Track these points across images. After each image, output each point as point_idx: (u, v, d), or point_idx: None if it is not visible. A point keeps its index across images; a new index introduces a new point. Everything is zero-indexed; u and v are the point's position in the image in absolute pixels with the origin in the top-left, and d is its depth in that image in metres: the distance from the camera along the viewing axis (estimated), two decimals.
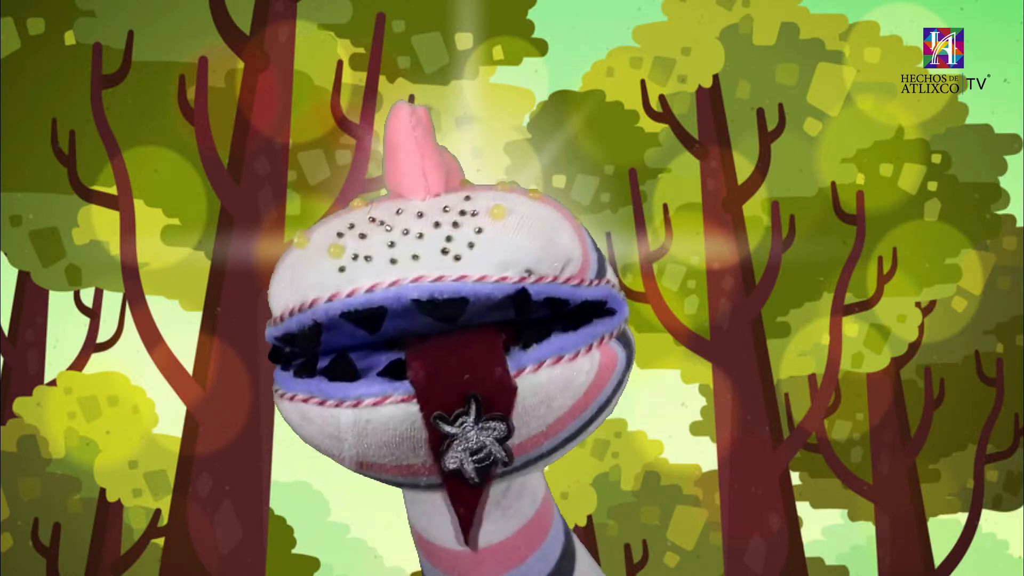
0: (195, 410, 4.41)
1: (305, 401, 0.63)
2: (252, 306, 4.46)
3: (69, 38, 4.51)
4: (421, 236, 0.60)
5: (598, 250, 0.67)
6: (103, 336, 4.73)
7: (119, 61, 4.46)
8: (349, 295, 0.60)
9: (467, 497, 0.61)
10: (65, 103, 4.47)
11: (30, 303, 4.76)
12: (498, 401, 0.59)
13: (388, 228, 0.61)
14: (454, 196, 0.62)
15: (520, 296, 0.60)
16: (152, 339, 4.39)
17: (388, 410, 0.60)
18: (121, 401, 4.48)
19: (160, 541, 4.47)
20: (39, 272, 4.54)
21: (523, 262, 0.60)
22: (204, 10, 4.46)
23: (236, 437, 4.40)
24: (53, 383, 4.53)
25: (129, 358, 4.57)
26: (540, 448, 0.63)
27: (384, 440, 0.61)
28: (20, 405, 4.48)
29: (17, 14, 4.51)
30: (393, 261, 0.60)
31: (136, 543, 4.52)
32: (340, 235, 0.61)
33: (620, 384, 0.66)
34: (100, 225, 4.49)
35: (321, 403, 0.62)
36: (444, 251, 0.59)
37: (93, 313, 4.74)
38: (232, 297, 4.45)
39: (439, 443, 0.60)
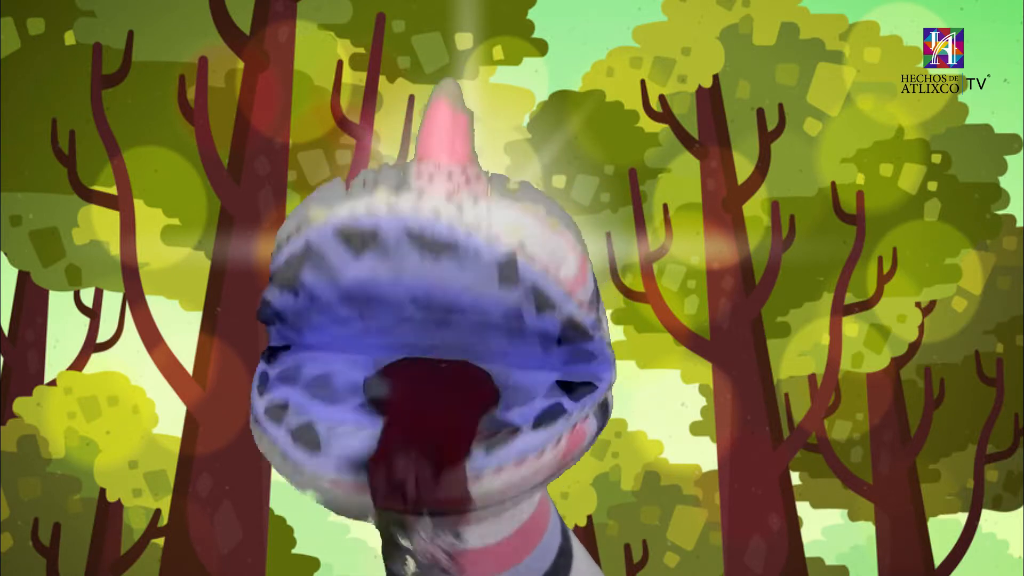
0: (195, 410, 4.41)
1: (271, 445, 0.64)
2: (252, 306, 4.45)
3: (69, 38, 4.51)
4: (431, 179, 0.61)
5: (597, 288, 0.68)
6: (103, 336, 4.73)
7: (119, 61, 4.46)
8: (347, 214, 0.60)
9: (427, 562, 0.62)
10: (65, 103, 4.47)
11: (30, 303, 4.76)
12: (454, 510, 0.60)
13: (403, 171, 0.61)
14: (473, 193, 0.62)
15: (508, 264, 0.60)
16: (152, 339, 4.39)
17: (341, 494, 0.62)
18: (121, 401, 4.48)
19: (160, 541, 4.47)
20: (39, 272, 4.54)
21: (521, 235, 0.60)
22: (204, 10, 4.46)
23: (236, 437, 4.40)
24: (53, 383, 4.53)
25: (129, 358, 4.57)
26: (496, 511, 0.65)
27: (341, 510, 0.63)
28: (20, 405, 4.48)
29: (17, 14, 4.52)
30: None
31: (136, 543, 4.52)
32: (354, 208, 0.62)
33: (587, 448, 0.67)
34: (100, 225, 4.49)
35: (283, 457, 0.64)
36: (449, 196, 0.60)
37: (93, 313, 4.74)
38: (232, 297, 4.45)
39: (390, 546, 0.61)
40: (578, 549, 0.76)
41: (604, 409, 0.68)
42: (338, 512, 0.66)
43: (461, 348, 0.64)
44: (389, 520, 0.61)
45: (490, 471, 0.62)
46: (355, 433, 0.63)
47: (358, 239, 0.61)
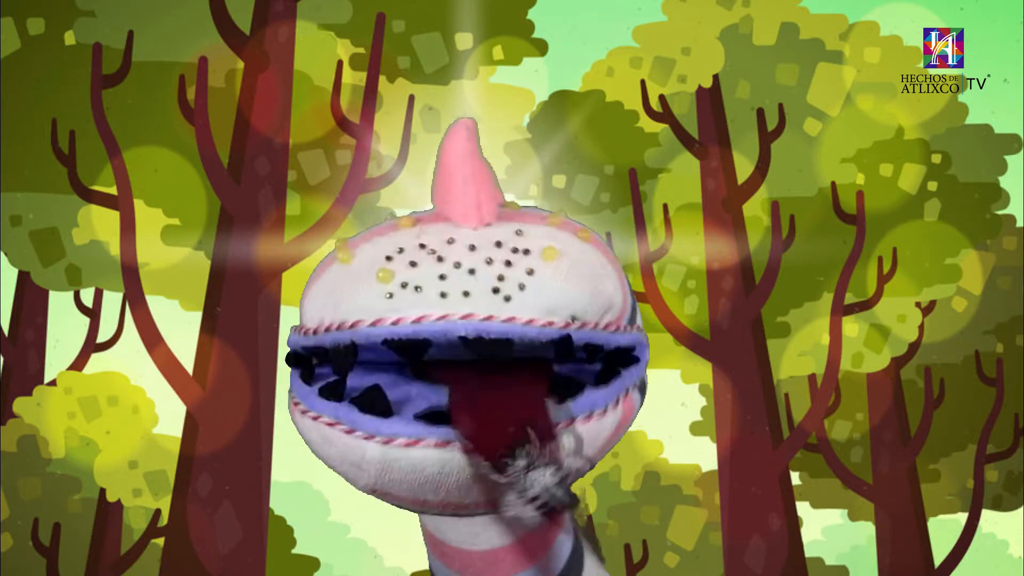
0: (195, 410, 4.41)
1: (330, 425, 0.62)
2: (252, 306, 4.46)
3: (69, 38, 4.51)
4: (473, 272, 0.60)
5: (632, 293, 0.68)
6: (103, 336, 4.73)
7: (119, 61, 4.46)
8: (395, 323, 0.59)
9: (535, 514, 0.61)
10: (65, 103, 4.47)
11: (30, 303, 4.76)
12: (545, 447, 0.60)
13: (440, 258, 0.60)
14: (506, 228, 0.61)
15: (564, 342, 0.60)
16: (152, 339, 4.39)
17: (420, 453, 0.60)
18: (121, 401, 4.48)
19: (160, 541, 4.46)
20: (39, 272, 4.54)
21: (570, 308, 0.60)
22: (204, 10, 4.46)
23: (236, 437, 4.40)
24: (53, 383, 4.53)
25: (129, 358, 4.57)
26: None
27: (408, 478, 0.61)
28: (20, 405, 4.48)
29: (17, 14, 4.51)
30: (443, 295, 0.59)
31: (136, 543, 4.52)
32: (389, 259, 0.61)
33: (634, 420, 0.68)
34: (100, 225, 4.49)
35: (348, 431, 0.62)
36: (495, 290, 0.59)
37: (93, 313, 4.74)
38: (232, 297, 4.45)
39: (495, 492, 0.60)
40: (588, 550, 0.77)
41: (644, 386, 0.69)
42: (403, 486, 0.64)
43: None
44: (479, 467, 0.60)
45: (564, 422, 0.62)
46: (425, 396, 0.63)
47: (410, 348, 0.61)
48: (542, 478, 0.59)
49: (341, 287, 0.61)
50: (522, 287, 0.60)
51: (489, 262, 0.60)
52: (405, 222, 0.63)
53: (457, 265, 0.60)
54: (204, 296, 4.49)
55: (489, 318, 0.59)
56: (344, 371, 0.62)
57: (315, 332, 0.63)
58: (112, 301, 4.71)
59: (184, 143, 4.43)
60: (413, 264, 0.61)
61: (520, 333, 0.59)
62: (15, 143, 4.49)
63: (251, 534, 4.40)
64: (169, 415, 4.48)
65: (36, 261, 4.53)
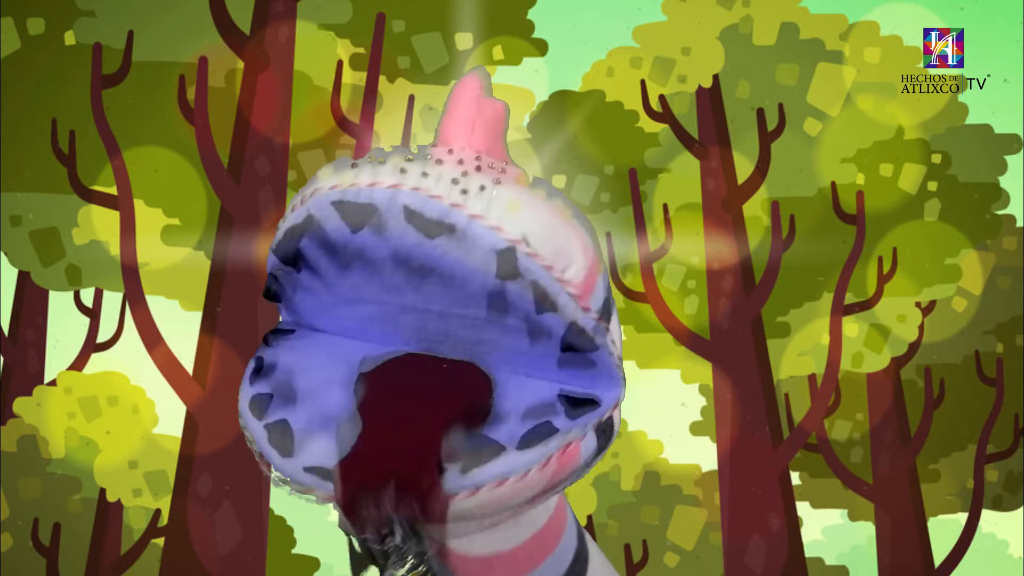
0: (195, 410, 4.41)
1: (249, 442, 0.64)
2: (252, 306, 4.45)
3: (69, 38, 4.51)
4: (440, 162, 0.59)
5: (609, 297, 0.64)
6: (103, 336, 4.73)
7: (119, 61, 4.46)
8: (350, 186, 0.59)
9: (401, 566, 0.60)
10: (65, 103, 4.47)
11: (30, 303, 4.76)
12: (428, 515, 0.57)
13: (399, 183, 0.59)
14: (481, 178, 0.60)
15: (507, 253, 0.58)
16: (152, 339, 4.39)
17: (312, 499, 0.62)
18: (121, 401, 4.47)
19: (160, 541, 4.46)
20: (39, 272, 4.54)
21: (523, 227, 0.58)
22: (204, 10, 4.46)
23: (236, 437, 4.39)
24: (53, 383, 4.53)
25: (129, 358, 4.57)
26: (483, 526, 0.62)
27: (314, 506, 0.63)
28: (20, 405, 4.48)
29: (17, 14, 4.51)
30: (403, 171, 0.59)
31: (136, 543, 4.52)
32: (357, 175, 0.61)
33: (585, 468, 0.63)
34: (100, 225, 4.49)
35: (259, 455, 0.63)
36: (454, 181, 0.58)
37: (93, 313, 4.74)
38: (232, 297, 4.45)
39: (363, 528, 0.59)
40: (594, 553, 0.75)
41: (608, 429, 0.64)
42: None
43: (456, 341, 0.62)
44: (363, 540, 0.60)
45: (464, 492, 0.59)
46: (327, 440, 0.61)
47: (356, 212, 0.59)
48: (412, 554, 0.58)
49: (308, 202, 0.61)
50: (483, 188, 0.58)
51: (460, 162, 0.59)
52: (395, 154, 0.63)
53: (427, 156, 0.60)
54: (204, 296, 4.49)
55: (438, 197, 0.58)
56: (292, 256, 0.62)
57: (284, 219, 0.63)
58: (112, 301, 4.71)
59: (184, 143, 4.43)
60: (374, 182, 0.60)
61: (465, 223, 0.58)
62: (15, 143, 4.49)
63: (251, 534, 4.40)
64: (169, 415, 4.48)
65: (36, 261, 4.53)
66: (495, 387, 0.61)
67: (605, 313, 0.62)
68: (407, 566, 0.59)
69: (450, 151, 0.61)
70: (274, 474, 0.63)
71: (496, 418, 0.60)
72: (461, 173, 0.59)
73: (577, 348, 0.61)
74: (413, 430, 0.59)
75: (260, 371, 0.65)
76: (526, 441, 0.59)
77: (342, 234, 0.59)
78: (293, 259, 0.62)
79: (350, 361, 0.63)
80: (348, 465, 0.59)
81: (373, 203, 0.59)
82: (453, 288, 0.59)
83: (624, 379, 0.63)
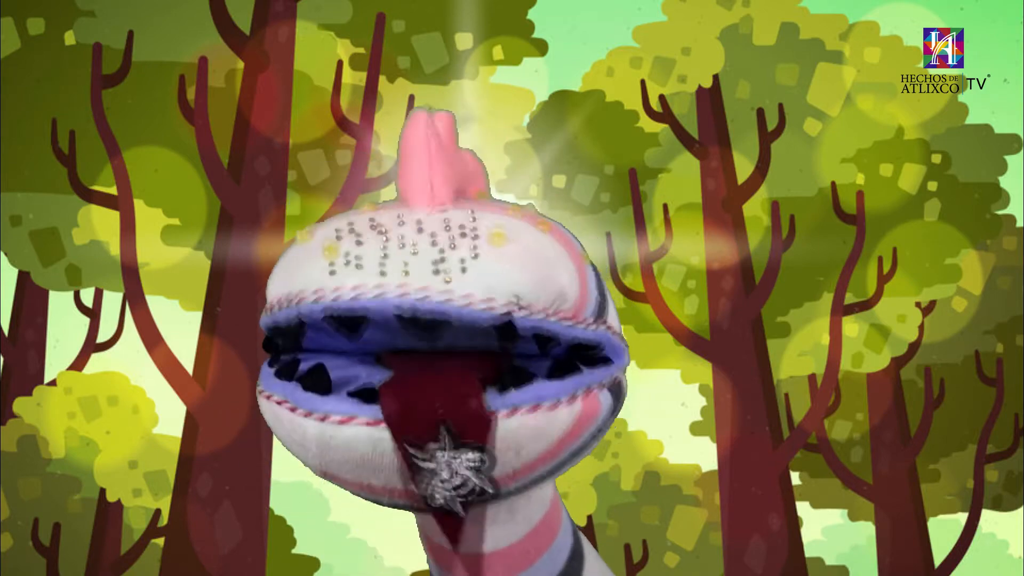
0: (195, 410, 4.41)
1: (279, 404, 0.63)
2: (252, 306, 4.45)
3: (69, 38, 4.51)
4: (416, 251, 0.59)
5: (602, 292, 0.65)
6: (103, 336, 4.73)
7: (119, 61, 4.46)
8: (334, 298, 0.59)
9: (453, 526, 0.61)
10: (65, 103, 4.47)
11: (30, 303, 4.76)
12: (472, 432, 0.58)
13: (386, 237, 0.60)
14: (460, 212, 0.61)
15: (505, 326, 0.59)
16: (152, 339, 4.39)
17: (352, 431, 0.60)
18: (121, 401, 4.48)
19: (160, 541, 4.46)
20: (39, 272, 4.54)
21: (513, 292, 0.59)
22: (204, 10, 4.46)
23: (236, 437, 4.40)
24: (53, 383, 4.53)
25: (129, 358, 4.57)
26: (508, 486, 0.62)
27: (346, 458, 0.61)
28: (20, 405, 4.48)
29: (17, 14, 4.51)
30: (383, 271, 0.59)
31: (136, 543, 4.52)
32: (339, 236, 0.61)
33: (600, 431, 0.64)
34: (100, 225, 4.49)
35: (292, 409, 0.63)
36: (436, 270, 0.59)
37: (93, 313, 4.74)
38: (232, 297, 4.45)
39: (416, 476, 0.60)
40: (589, 551, 0.76)
41: (618, 390, 0.67)
42: (344, 467, 0.64)
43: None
44: (415, 455, 0.60)
45: (504, 410, 0.61)
46: (369, 376, 0.63)
47: (348, 322, 0.61)
48: (463, 465, 0.59)
49: (293, 263, 0.62)
50: (464, 268, 0.59)
51: (434, 243, 0.60)
52: (367, 205, 0.64)
53: (402, 244, 0.60)
54: (204, 296, 4.50)
55: (425, 296, 0.59)
56: (293, 347, 0.63)
57: (270, 310, 0.64)
58: (112, 301, 4.71)
59: (184, 143, 4.43)
60: (359, 242, 0.61)
61: (457, 312, 0.59)
62: (15, 143, 4.49)
63: (251, 534, 4.40)
64: (169, 415, 4.48)
65: (36, 261, 4.53)
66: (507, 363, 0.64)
67: (600, 311, 0.64)
68: (454, 483, 0.60)
69: (420, 228, 0.61)
70: (312, 419, 0.63)
71: (513, 379, 0.62)
72: (439, 254, 0.60)
73: (582, 353, 0.64)
74: (452, 361, 0.61)
75: (272, 372, 0.66)
76: (553, 372, 0.62)
77: (337, 303, 0.61)
78: (292, 325, 0.64)
79: (360, 363, 0.65)
80: (395, 382, 0.61)
81: (365, 313, 0.60)
82: (462, 330, 0.61)
83: (627, 347, 0.67)
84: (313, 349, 0.64)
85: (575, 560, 0.72)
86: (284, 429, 0.64)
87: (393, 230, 0.60)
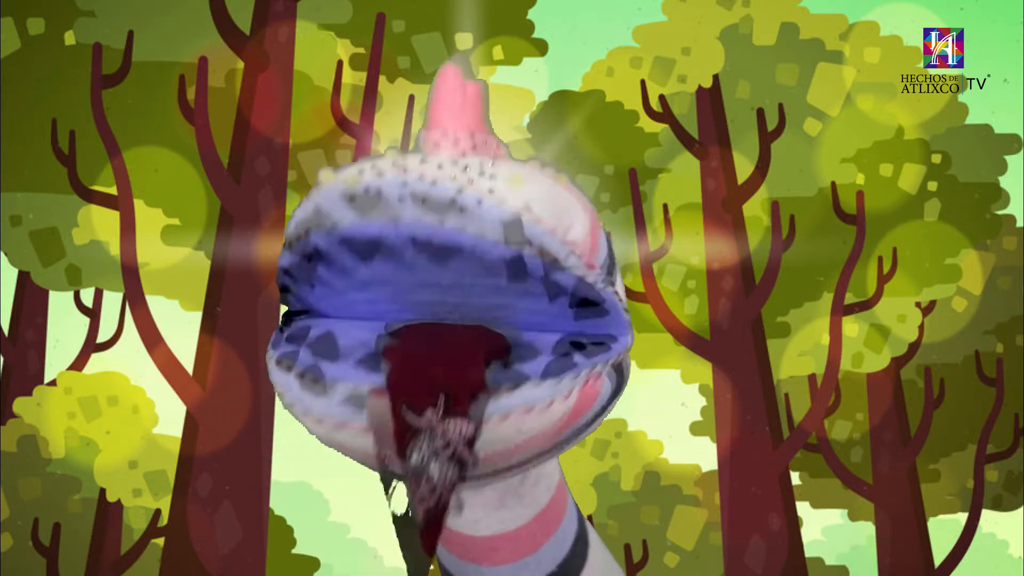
0: (195, 410, 4.41)
1: (288, 368, 0.65)
2: (252, 306, 4.45)
3: (69, 38, 4.52)
4: (434, 182, 0.61)
5: (612, 256, 0.67)
6: (103, 336, 4.73)
7: (119, 61, 4.46)
8: (351, 222, 0.62)
9: (428, 497, 0.62)
10: (65, 103, 4.47)
11: (30, 303, 4.76)
12: (469, 403, 0.60)
13: (406, 171, 0.62)
14: (480, 158, 0.63)
15: (515, 262, 0.61)
16: (152, 339, 4.39)
17: (347, 437, 0.62)
18: (121, 401, 4.48)
19: (160, 541, 4.47)
20: (39, 272, 4.54)
21: (527, 197, 0.61)
22: (204, 10, 4.46)
23: (236, 437, 4.40)
24: (53, 383, 4.53)
25: (129, 358, 4.57)
26: (509, 461, 0.64)
27: (345, 453, 0.63)
28: (20, 405, 4.48)
29: (17, 14, 4.52)
30: (400, 199, 0.61)
31: (136, 543, 4.52)
32: (361, 172, 0.63)
33: (600, 415, 0.66)
34: (100, 225, 4.50)
35: (291, 404, 0.64)
36: (452, 201, 0.61)
37: (93, 313, 4.74)
38: (232, 297, 4.45)
39: (405, 436, 0.61)
40: (594, 538, 0.77)
41: (620, 372, 0.68)
42: (347, 442, 0.66)
43: (473, 308, 0.65)
44: (407, 412, 0.62)
45: (496, 417, 0.62)
46: (361, 375, 0.64)
47: (363, 200, 0.62)
48: (452, 430, 0.61)
49: (315, 195, 0.64)
50: (480, 202, 0.61)
51: (453, 179, 0.62)
52: (390, 152, 0.66)
53: (420, 176, 0.62)
54: (204, 296, 4.50)
55: (440, 222, 0.61)
56: (306, 281, 0.65)
57: (290, 245, 0.66)
58: (112, 301, 4.71)
59: (184, 143, 4.43)
60: (380, 174, 0.63)
61: (471, 243, 0.61)
62: (15, 143, 4.49)
63: (251, 534, 4.40)
64: (169, 415, 4.49)
65: (36, 261, 4.53)
66: (510, 337, 0.65)
67: (610, 268, 0.66)
68: (437, 444, 0.62)
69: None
70: (309, 418, 0.64)
71: (517, 356, 0.64)
72: (460, 154, 0.63)
73: (588, 300, 0.65)
74: (448, 361, 0.62)
75: (279, 341, 0.68)
76: (548, 372, 0.63)
77: (355, 224, 0.63)
78: (307, 254, 0.66)
79: (365, 329, 0.67)
80: (400, 347, 0.62)
81: (382, 192, 0.62)
82: (474, 262, 0.63)
83: (631, 325, 0.68)
84: (322, 314, 0.66)
85: (580, 544, 0.73)
86: (291, 394, 0.66)
87: (414, 166, 0.63)
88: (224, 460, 4.39)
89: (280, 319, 0.69)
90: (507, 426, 0.61)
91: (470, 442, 0.60)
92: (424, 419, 0.60)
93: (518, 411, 0.62)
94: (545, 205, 0.62)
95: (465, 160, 0.62)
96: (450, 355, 0.61)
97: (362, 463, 0.67)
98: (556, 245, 0.62)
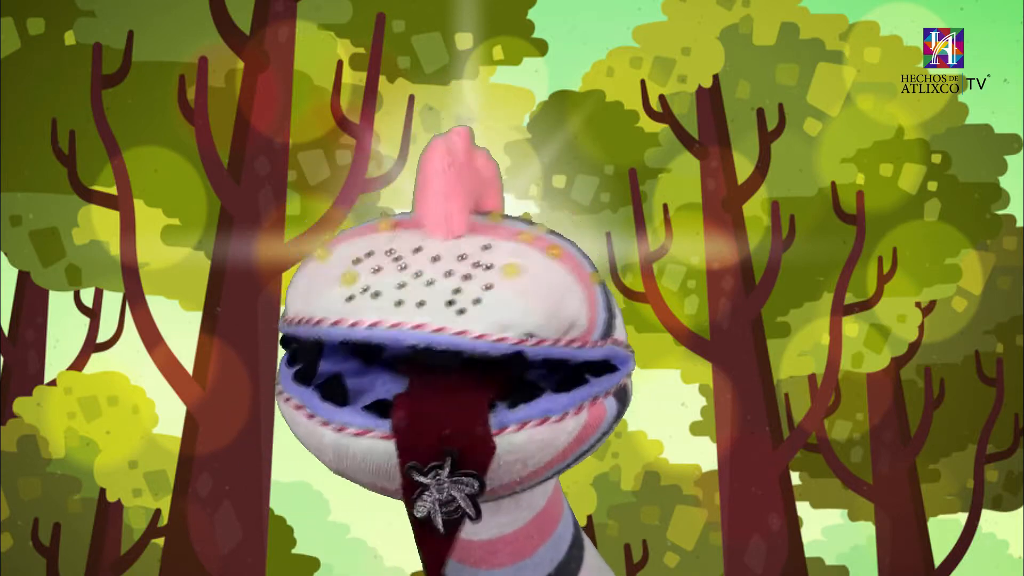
0: (195, 410, 4.41)
1: (297, 408, 0.65)
2: (252, 306, 4.46)
3: (69, 38, 4.52)
4: (431, 283, 0.61)
5: (610, 309, 0.68)
6: (103, 336, 4.73)
7: (119, 61, 4.46)
8: (351, 325, 0.61)
9: (433, 543, 0.62)
10: (65, 103, 4.47)
11: (30, 303, 4.76)
12: (474, 459, 0.61)
13: (403, 267, 0.62)
14: (473, 242, 0.63)
15: (516, 358, 0.61)
16: (152, 339, 4.39)
17: (367, 443, 0.62)
18: (121, 401, 4.48)
19: (160, 541, 4.47)
20: (39, 272, 4.54)
21: (525, 325, 0.61)
22: (204, 10, 4.46)
23: (236, 437, 4.40)
24: (53, 383, 4.53)
25: (129, 358, 4.57)
26: (513, 490, 0.65)
27: (361, 467, 0.64)
28: (20, 405, 4.48)
29: (17, 14, 4.52)
30: (399, 303, 0.61)
31: (136, 543, 4.52)
32: (357, 261, 0.63)
33: (605, 434, 0.67)
34: (100, 225, 4.50)
35: (310, 416, 0.64)
36: (450, 303, 0.61)
37: (93, 313, 4.74)
38: (232, 297, 4.45)
39: (411, 490, 0.62)
40: (588, 543, 0.78)
41: (623, 394, 0.69)
42: (359, 474, 0.67)
43: None
44: (413, 470, 0.62)
45: (513, 426, 0.63)
46: (381, 385, 0.65)
47: (366, 351, 0.64)
48: (456, 488, 0.61)
49: (312, 284, 0.64)
50: (477, 301, 0.61)
51: (449, 274, 0.62)
52: (384, 225, 0.66)
53: (418, 275, 0.62)
54: (204, 296, 4.50)
55: (440, 330, 0.61)
56: (311, 363, 0.65)
57: (290, 323, 0.66)
58: (112, 301, 4.71)
59: (184, 143, 4.43)
60: (377, 270, 0.63)
61: (471, 346, 0.61)
62: (15, 143, 4.49)
63: (251, 534, 4.40)
64: (169, 415, 4.48)
65: (36, 261, 4.53)
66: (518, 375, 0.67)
67: (608, 330, 0.67)
68: (440, 498, 0.62)
69: (435, 259, 0.63)
70: (329, 428, 0.65)
71: (522, 397, 0.65)
72: (453, 291, 0.62)
73: (589, 365, 0.67)
74: (465, 376, 0.64)
75: (293, 361, 0.69)
76: (560, 386, 0.65)
77: (356, 365, 0.65)
78: (309, 344, 0.67)
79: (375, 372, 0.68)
80: (407, 398, 0.63)
81: (383, 344, 0.63)
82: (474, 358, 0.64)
83: (632, 353, 0.70)
84: (331, 362, 0.66)
85: (576, 547, 0.74)
86: (301, 432, 0.67)
87: (410, 260, 0.63)
88: (224, 460, 4.39)
89: (286, 348, 0.69)
90: (523, 434, 0.62)
91: (474, 497, 0.61)
92: (427, 473, 0.60)
93: (533, 421, 0.62)
94: (546, 321, 0.62)
95: (459, 295, 0.61)
96: (456, 406, 0.61)
97: (373, 491, 0.67)
98: (560, 351, 0.63)
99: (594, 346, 0.64)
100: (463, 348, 0.59)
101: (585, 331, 0.64)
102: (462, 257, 0.61)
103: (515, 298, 0.61)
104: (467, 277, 0.61)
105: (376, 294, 0.61)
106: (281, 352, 0.72)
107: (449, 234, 0.63)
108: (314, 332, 0.63)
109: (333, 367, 0.64)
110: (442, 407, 0.60)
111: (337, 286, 0.62)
